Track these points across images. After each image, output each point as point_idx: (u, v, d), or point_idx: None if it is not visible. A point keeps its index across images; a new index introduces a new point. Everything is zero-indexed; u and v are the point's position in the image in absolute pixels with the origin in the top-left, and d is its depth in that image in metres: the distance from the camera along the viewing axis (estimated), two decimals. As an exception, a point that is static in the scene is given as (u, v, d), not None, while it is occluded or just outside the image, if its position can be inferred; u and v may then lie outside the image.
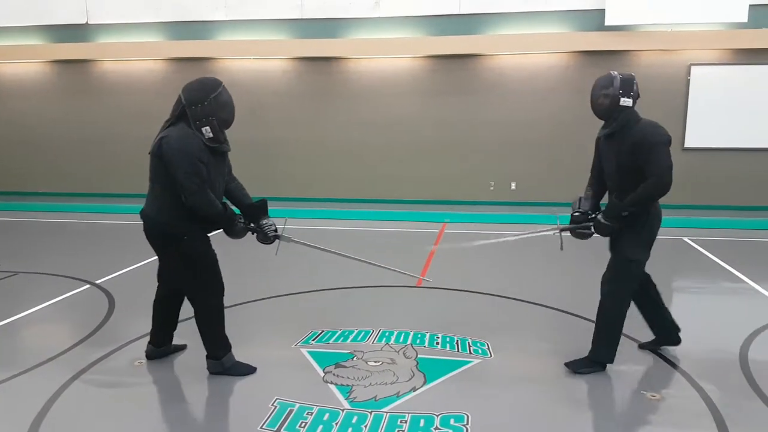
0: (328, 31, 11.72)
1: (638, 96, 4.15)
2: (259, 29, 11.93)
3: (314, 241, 4.59)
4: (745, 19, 10.07)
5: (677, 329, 4.58)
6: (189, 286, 4.14)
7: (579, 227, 4.40)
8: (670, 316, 4.59)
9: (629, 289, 4.28)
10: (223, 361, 4.24)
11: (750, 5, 10.02)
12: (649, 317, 4.61)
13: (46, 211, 11.44)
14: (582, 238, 4.47)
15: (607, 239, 4.44)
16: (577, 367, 4.34)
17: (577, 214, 4.43)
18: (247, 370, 4.29)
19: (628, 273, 4.23)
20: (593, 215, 4.35)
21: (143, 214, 4.03)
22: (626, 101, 4.08)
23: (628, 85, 4.09)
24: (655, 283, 4.58)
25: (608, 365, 4.35)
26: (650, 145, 3.98)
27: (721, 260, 7.45)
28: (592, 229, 4.33)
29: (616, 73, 4.16)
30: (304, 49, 11.82)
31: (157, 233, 4.01)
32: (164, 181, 3.89)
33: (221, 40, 12.06)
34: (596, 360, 4.31)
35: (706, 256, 7.72)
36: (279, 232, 4.29)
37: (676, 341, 4.61)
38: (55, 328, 5.37)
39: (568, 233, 4.50)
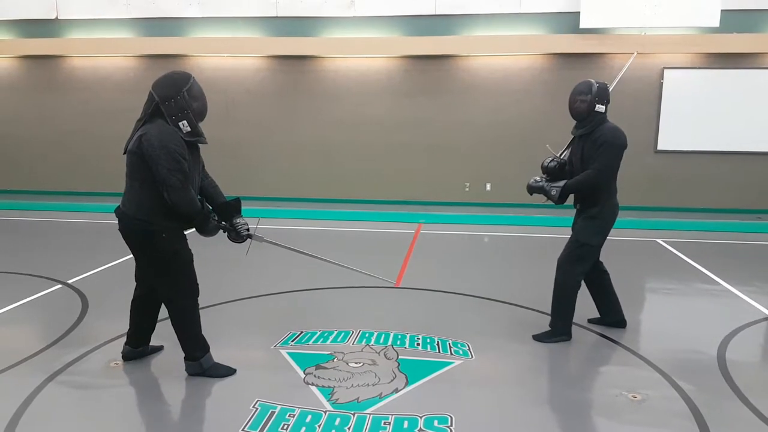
0: (303, 29, 11.66)
1: (609, 102, 4.71)
2: (233, 26, 11.81)
3: (287, 242, 4.52)
4: (717, 24, 10.22)
5: (620, 313, 5.22)
6: (164, 285, 4.06)
7: (553, 166, 4.95)
8: (617, 301, 5.20)
9: (580, 269, 4.84)
10: (201, 362, 4.16)
11: (722, 10, 10.17)
12: (598, 300, 5.21)
13: (14, 209, 11.17)
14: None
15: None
16: (542, 338, 4.93)
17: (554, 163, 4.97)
18: (227, 371, 4.22)
19: (578, 254, 4.80)
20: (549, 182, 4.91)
21: (119, 213, 3.95)
22: (600, 107, 4.67)
23: (604, 94, 4.67)
24: (607, 271, 5.14)
25: (603, 367, 4.48)
26: (604, 143, 4.57)
27: (695, 262, 7.54)
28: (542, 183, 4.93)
29: (593, 81, 4.70)
30: (279, 47, 11.73)
31: (133, 231, 3.92)
32: (144, 179, 3.81)
33: (194, 37, 11.91)
34: (556, 333, 4.93)
35: (680, 257, 7.81)
36: (251, 232, 4.22)
37: (622, 323, 5.22)
38: (26, 330, 5.21)
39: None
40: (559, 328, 4.91)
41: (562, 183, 4.78)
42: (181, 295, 4.07)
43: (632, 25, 10.49)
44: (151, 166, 3.73)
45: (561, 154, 5.01)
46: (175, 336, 4.14)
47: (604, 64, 10.98)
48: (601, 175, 4.59)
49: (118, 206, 3.97)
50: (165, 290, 4.08)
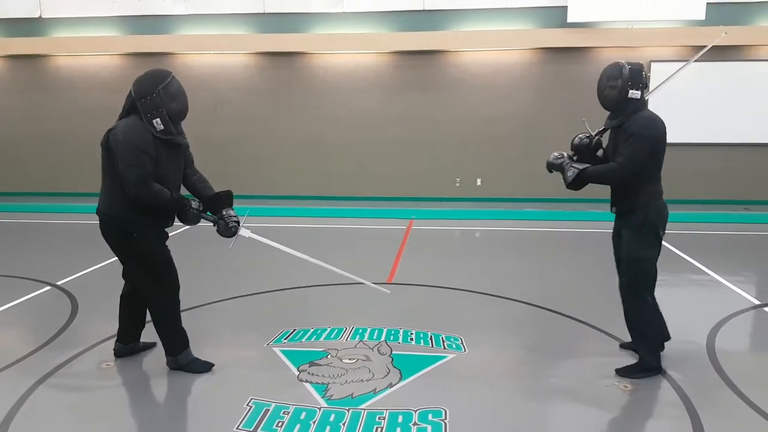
0: (291, 25, 11.61)
1: (646, 86, 4.01)
2: (220, 24, 11.74)
3: (277, 240, 4.49)
4: (702, 16, 10.29)
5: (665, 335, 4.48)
6: (142, 283, 4.09)
7: (584, 144, 4.25)
8: (663, 321, 4.47)
9: (646, 288, 4.21)
10: (178, 358, 4.18)
11: (707, 3, 10.23)
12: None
13: (0, 210, 11.08)
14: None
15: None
16: (629, 373, 4.17)
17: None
18: (205, 367, 4.23)
19: (638, 272, 4.16)
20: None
21: (98, 211, 3.98)
22: (634, 93, 3.94)
23: (637, 76, 3.94)
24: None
25: (594, 358, 4.47)
26: (632, 135, 3.92)
27: (683, 253, 7.59)
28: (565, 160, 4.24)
29: (624, 63, 3.99)
30: (266, 44, 11.67)
31: (110, 229, 3.95)
32: (113, 174, 3.84)
33: (181, 34, 11.82)
34: (645, 368, 4.18)
35: (669, 249, 7.83)
36: (241, 225, 4.18)
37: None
38: (15, 332, 5.18)
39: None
40: (647, 361, 4.19)
41: (582, 166, 4.12)
42: (159, 293, 4.09)
43: (619, 18, 10.54)
44: (115, 161, 3.76)
45: (596, 133, 4.26)
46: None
47: (591, 58, 11.01)
48: (624, 170, 3.94)
49: (98, 204, 4.00)
50: (143, 288, 4.11)
